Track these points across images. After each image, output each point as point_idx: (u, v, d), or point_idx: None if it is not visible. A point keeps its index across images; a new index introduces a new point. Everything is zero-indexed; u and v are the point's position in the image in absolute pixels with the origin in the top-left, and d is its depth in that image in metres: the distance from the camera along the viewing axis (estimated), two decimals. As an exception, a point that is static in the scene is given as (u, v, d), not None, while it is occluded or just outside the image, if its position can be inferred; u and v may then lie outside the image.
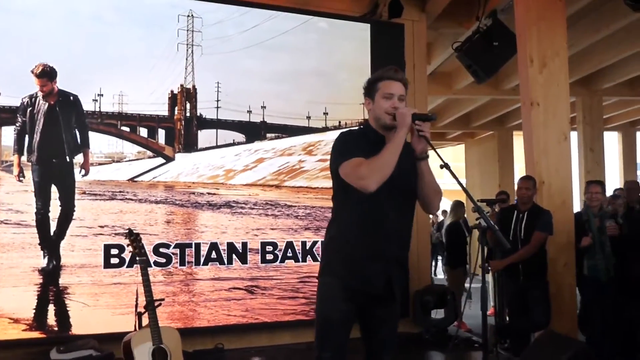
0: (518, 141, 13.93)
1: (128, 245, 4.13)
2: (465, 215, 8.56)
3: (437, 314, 6.99)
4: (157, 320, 3.92)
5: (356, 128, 3.25)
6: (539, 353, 5.09)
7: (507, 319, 6.16)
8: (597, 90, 11.04)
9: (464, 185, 3.05)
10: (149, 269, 5.86)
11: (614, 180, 13.48)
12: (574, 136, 9.21)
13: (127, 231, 4.20)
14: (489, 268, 5.80)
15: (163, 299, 4.20)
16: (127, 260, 5.92)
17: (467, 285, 8.18)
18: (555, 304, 5.75)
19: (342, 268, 3.00)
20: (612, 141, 14.45)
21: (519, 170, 12.83)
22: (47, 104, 5.84)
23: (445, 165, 3.02)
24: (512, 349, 5.81)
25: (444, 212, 11.45)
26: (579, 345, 5.03)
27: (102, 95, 6.11)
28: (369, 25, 7.18)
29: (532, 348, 5.31)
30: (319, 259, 6.47)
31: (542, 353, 5.05)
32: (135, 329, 4.37)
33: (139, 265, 3.94)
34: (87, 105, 6.02)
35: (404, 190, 3.03)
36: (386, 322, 3.14)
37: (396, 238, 3.04)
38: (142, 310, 3.99)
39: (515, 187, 6.10)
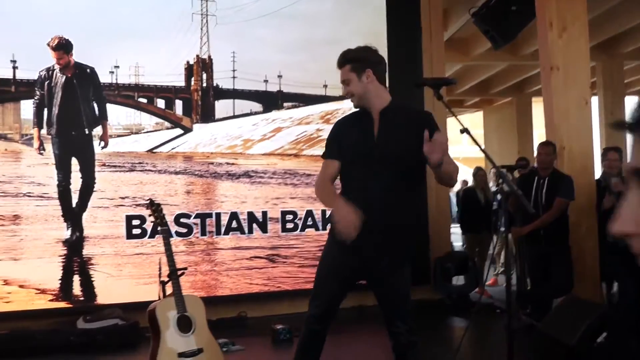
0: (537, 107, 13.78)
1: (149, 216, 4.12)
2: (492, 182, 8.54)
3: (458, 280, 7.01)
4: (181, 289, 3.93)
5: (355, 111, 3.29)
6: (561, 318, 5.09)
7: (529, 284, 6.15)
8: (617, 54, 10.87)
9: (485, 151, 3.02)
10: (170, 239, 5.95)
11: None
12: (594, 101, 9.10)
13: (147, 201, 4.21)
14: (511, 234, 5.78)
15: (186, 268, 4.22)
16: (149, 230, 5.97)
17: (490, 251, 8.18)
18: (577, 269, 5.73)
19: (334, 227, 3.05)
20: (633, 106, 14.25)
21: (538, 136, 12.72)
22: (64, 77, 5.85)
23: (465, 130, 3.01)
24: (534, 315, 5.80)
25: (464, 181, 11.39)
26: (602, 310, 5.02)
27: (118, 67, 6.12)
28: (384, -9, 7.10)
29: (553, 314, 5.30)
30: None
31: (564, 318, 5.04)
32: (159, 298, 4.42)
33: (161, 235, 3.93)
34: (104, 78, 6.04)
35: (389, 161, 3.03)
36: (392, 287, 3.18)
37: (381, 208, 3.00)
38: (166, 279, 4.01)
39: (535, 154, 6.05)
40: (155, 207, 4.07)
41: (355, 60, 3.16)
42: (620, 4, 8.29)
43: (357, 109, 3.24)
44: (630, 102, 12.84)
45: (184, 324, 3.83)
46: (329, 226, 3.34)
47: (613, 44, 10.47)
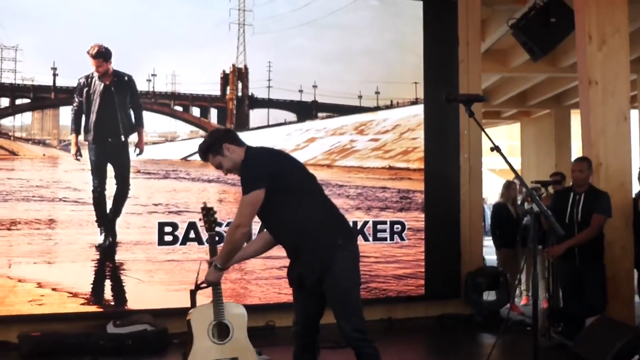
0: (576, 120, 13.55)
1: (200, 220, 4.17)
2: (520, 196, 8.41)
3: (489, 295, 6.92)
4: (221, 296, 3.92)
5: None
6: (593, 338, 5.01)
7: (562, 302, 6.04)
8: (659, 67, 10.64)
9: (515, 169, 2.99)
10: (201, 246, 6.01)
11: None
12: (634, 116, 8.92)
13: (202, 205, 4.21)
14: (546, 254, 5.68)
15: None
16: (181, 237, 6.04)
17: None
18: (611, 289, 5.62)
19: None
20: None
21: (577, 149, 12.51)
22: (102, 84, 5.96)
23: (496, 148, 2.98)
24: (566, 333, 5.70)
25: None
26: (635, 331, 4.91)
27: (155, 75, 6.20)
28: (421, 2, 7.07)
29: (585, 333, 5.21)
30: (370, 239, 6.54)
31: (596, 338, 4.96)
32: (190, 307, 4.43)
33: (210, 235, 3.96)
34: (141, 86, 6.13)
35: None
36: (327, 292, 3.51)
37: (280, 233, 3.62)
38: (193, 288, 4.03)
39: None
40: (207, 212, 4.07)
41: (210, 147, 3.58)
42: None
43: None
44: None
45: (221, 332, 3.83)
46: None
47: (656, 57, 10.26)
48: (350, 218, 6.53)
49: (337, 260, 3.44)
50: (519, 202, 7.94)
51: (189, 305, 4.12)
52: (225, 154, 3.54)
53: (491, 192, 14.10)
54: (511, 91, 12.88)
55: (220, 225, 6.16)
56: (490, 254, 8.13)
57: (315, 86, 6.73)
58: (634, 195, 6.02)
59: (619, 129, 5.97)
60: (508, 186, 7.91)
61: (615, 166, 5.90)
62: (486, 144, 5.76)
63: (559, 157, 13.99)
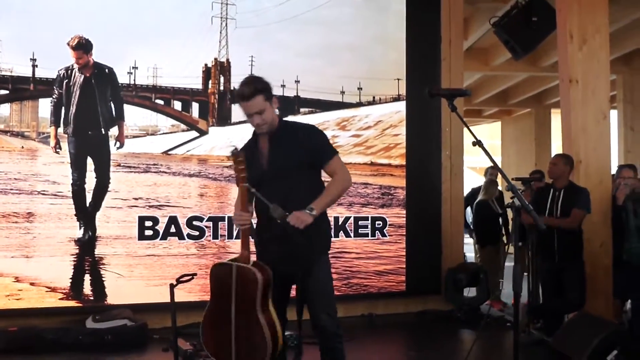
0: (556, 119, 13.68)
1: (231, 167, 3.93)
2: (501, 191, 8.46)
3: (470, 292, 6.96)
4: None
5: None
6: (572, 334, 5.05)
7: (541, 299, 6.09)
8: (639, 67, 10.75)
9: (497, 164, 3.00)
10: (181, 241, 5.97)
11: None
12: (613, 115, 9.00)
13: (233, 148, 3.50)
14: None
15: (195, 274, 4.20)
16: (161, 232, 6.00)
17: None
18: (590, 285, 5.66)
19: (258, 249, 3.65)
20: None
21: (556, 148, 12.62)
22: (82, 77, 5.89)
23: (477, 143, 2.99)
24: (545, 329, 5.75)
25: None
26: (613, 327, 4.96)
27: (136, 68, 6.14)
28: (404, -2, 7.07)
29: (565, 329, 5.26)
30: (352, 235, 6.53)
31: (575, 334, 5.00)
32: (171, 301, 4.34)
33: (243, 185, 3.38)
34: (122, 78, 6.08)
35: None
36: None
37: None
38: (174, 282, 4.01)
39: (552, 166, 6.00)
40: (237, 157, 3.46)
41: (266, 90, 3.37)
42: (642, 18, 8.21)
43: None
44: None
45: None
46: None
47: (634, 57, 10.36)
48: (332, 213, 6.52)
49: (329, 248, 3.51)
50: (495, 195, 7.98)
51: (168, 300, 4.09)
52: (273, 106, 3.42)
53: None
54: (492, 90, 12.94)
55: (201, 220, 6.15)
56: (469, 251, 8.16)
57: (297, 81, 6.72)
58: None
59: (598, 128, 6.02)
60: (490, 183, 7.95)
61: (595, 164, 5.96)
62: (468, 141, 5.79)
63: (539, 156, 14.07)
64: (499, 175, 7.55)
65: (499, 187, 8.16)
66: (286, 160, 3.36)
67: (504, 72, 11.24)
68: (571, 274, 5.55)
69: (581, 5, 6.01)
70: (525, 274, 6.15)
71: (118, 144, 6.05)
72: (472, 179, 15.23)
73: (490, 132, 17.85)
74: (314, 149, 3.44)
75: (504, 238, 7.95)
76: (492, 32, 7.36)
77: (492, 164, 3.07)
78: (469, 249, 8.14)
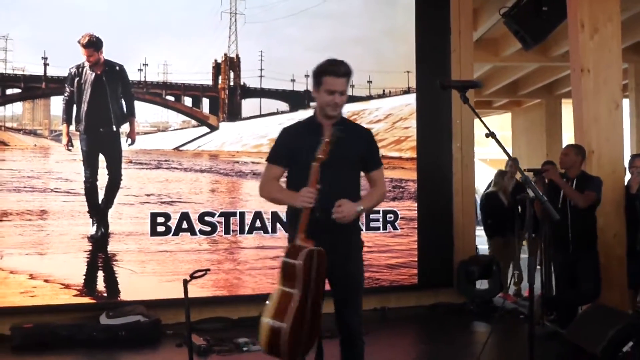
0: (566, 110, 13.58)
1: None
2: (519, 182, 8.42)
3: (482, 284, 6.94)
4: None
5: (301, 120, 3.58)
6: (587, 326, 5.01)
7: (555, 290, 6.06)
8: (651, 56, 10.67)
9: (510, 154, 2.99)
10: (193, 237, 5.99)
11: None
12: (625, 104, 8.94)
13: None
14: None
15: (209, 269, 4.21)
16: (173, 228, 6.02)
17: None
18: (604, 276, 5.63)
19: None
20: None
21: (567, 139, 12.53)
22: (94, 74, 5.91)
23: (491, 134, 2.97)
24: (559, 321, 5.72)
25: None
26: (629, 318, 4.93)
27: (147, 65, 6.16)
28: (413, -9, 7.04)
29: (579, 321, 5.22)
30: (363, 228, 6.50)
31: (590, 326, 4.97)
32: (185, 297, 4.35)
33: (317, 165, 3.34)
34: (133, 75, 6.10)
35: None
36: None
37: None
38: (188, 278, 4.02)
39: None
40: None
41: (351, 76, 3.30)
42: (655, 6, 8.13)
43: (307, 120, 3.46)
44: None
45: None
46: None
47: (647, 45, 10.28)
48: (344, 207, 6.51)
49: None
50: (510, 189, 7.93)
51: (182, 295, 4.09)
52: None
53: (482, 182, 14.11)
54: (502, 81, 12.88)
55: (213, 215, 6.17)
56: (482, 243, 8.13)
57: (307, 75, 6.69)
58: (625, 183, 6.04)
59: (611, 117, 5.98)
60: (501, 175, 7.91)
61: (607, 154, 5.92)
62: (478, 133, 5.76)
63: (550, 147, 14.00)
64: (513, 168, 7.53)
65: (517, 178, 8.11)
66: (349, 151, 3.32)
67: (514, 63, 11.18)
68: (585, 264, 5.52)
69: (592, -6, 5.97)
70: (539, 266, 6.12)
71: (129, 140, 6.07)
72: (482, 171, 15.19)
73: (500, 123, 17.76)
74: (372, 152, 3.48)
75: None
76: (502, 23, 7.31)
77: (506, 156, 3.06)
78: (482, 241, 8.10)
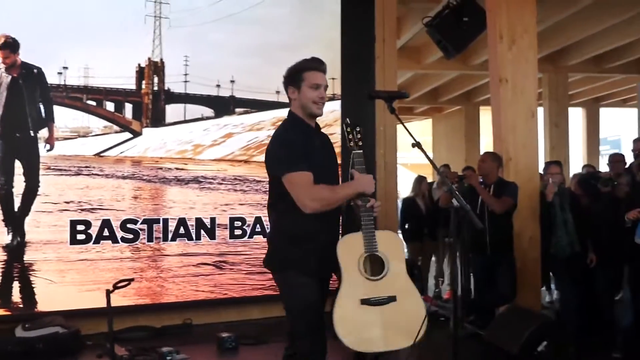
0: (485, 116, 14.03)
1: (346, 138, 3.33)
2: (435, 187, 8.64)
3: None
4: (375, 222, 3.22)
5: (287, 125, 3.30)
6: (504, 327, 5.19)
7: (474, 292, 6.24)
8: (563, 66, 11.15)
9: (436, 165, 3.06)
10: (115, 244, 5.86)
11: (577, 156, 13.68)
12: (539, 112, 9.30)
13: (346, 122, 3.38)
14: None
15: (132, 279, 4.14)
16: (94, 236, 5.86)
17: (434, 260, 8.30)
18: (519, 279, 5.85)
19: (314, 262, 3.13)
20: (576, 117, 14.64)
21: (486, 145, 12.94)
22: (10, 77, 5.70)
23: (417, 144, 3.04)
24: (477, 323, 5.89)
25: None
26: (542, 319, 5.13)
27: (67, 68, 5.98)
28: (339, -2, 7.10)
29: (497, 322, 5.40)
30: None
31: (507, 327, 5.14)
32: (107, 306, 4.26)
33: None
34: (52, 79, 5.90)
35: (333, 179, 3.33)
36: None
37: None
38: (111, 288, 3.94)
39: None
40: (351, 128, 3.34)
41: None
42: (567, 18, 8.51)
43: (295, 125, 3.26)
44: (573, 113, 13.19)
45: (374, 264, 3.18)
46: (281, 258, 3.23)
47: (559, 56, 10.74)
48: (259, 214, 6.51)
49: None
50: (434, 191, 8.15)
51: (103, 305, 4.01)
52: None
53: (403, 187, 14.39)
54: (424, 87, 13.19)
55: (135, 223, 6.05)
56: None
57: (232, 81, 6.67)
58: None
59: (527, 126, 6.21)
60: (419, 181, 8.11)
61: (524, 161, 6.14)
62: (401, 139, 5.87)
63: (469, 152, 14.43)
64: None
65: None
66: (335, 162, 3.39)
67: (436, 71, 11.48)
68: (503, 268, 5.73)
69: (510, 6, 6.18)
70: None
71: (48, 146, 5.88)
72: (403, 176, 15.45)
73: (421, 128, 18.17)
74: None
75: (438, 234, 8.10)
76: (425, 32, 7.48)
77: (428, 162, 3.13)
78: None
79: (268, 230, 3.37)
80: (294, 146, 3.12)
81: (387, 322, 3.07)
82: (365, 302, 3.06)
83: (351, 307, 3.05)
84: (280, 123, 3.34)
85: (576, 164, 12.04)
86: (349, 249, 3.14)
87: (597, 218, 5.88)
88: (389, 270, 3.13)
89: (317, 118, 3.28)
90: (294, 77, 3.23)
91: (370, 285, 3.10)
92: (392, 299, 3.09)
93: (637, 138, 7.22)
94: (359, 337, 3.04)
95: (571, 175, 8.67)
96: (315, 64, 3.23)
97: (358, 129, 3.26)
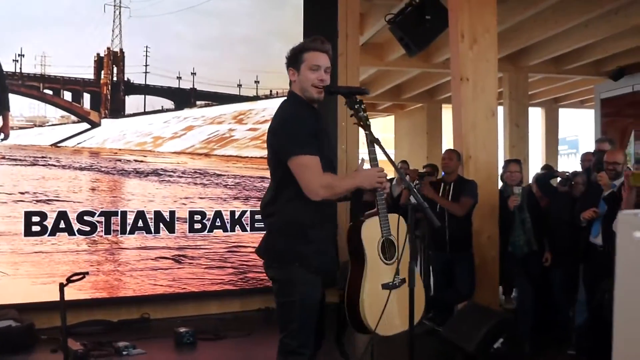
0: (446, 114, 14.17)
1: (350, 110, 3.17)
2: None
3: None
4: (386, 209, 3.16)
5: (294, 103, 3.09)
6: (462, 323, 5.24)
7: (433, 289, 6.30)
8: (523, 66, 11.28)
9: (394, 161, 3.07)
10: (71, 237, 5.75)
11: (536, 156, 13.89)
12: (500, 111, 9.41)
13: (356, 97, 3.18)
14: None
15: (87, 273, 4.06)
16: (50, 228, 5.75)
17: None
18: (478, 276, 5.92)
19: (314, 257, 3.00)
20: (536, 117, 14.85)
21: (447, 142, 13.06)
22: (-38, 64, 5.55)
23: (375, 141, 3.04)
24: (436, 320, 5.95)
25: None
26: (499, 316, 5.20)
27: (23, 55, 5.84)
28: (302, -7, 7.09)
29: (455, 318, 5.46)
30: (248, 229, 6.48)
31: (465, 323, 5.20)
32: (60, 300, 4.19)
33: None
34: (7, 66, 5.76)
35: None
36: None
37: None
38: (65, 282, 3.87)
39: (442, 159, 6.22)
40: (359, 105, 3.16)
41: (330, 54, 3.13)
42: (528, 19, 8.62)
43: (301, 104, 3.07)
44: (533, 113, 13.38)
45: (388, 249, 3.20)
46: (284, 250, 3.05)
47: (519, 56, 10.86)
48: (228, 208, 6.49)
49: None
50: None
51: (57, 298, 3.93)
52: None
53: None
54: (386, 84, 13.22)
55: (93, 215, 5.95)
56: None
57: (194, 73, 6.61)
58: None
59: (487, 124, 6.27)
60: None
61: (483, 159, 6.20)
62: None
63: (430, 149, 14.54)
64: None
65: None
66: (334, 152, 3.20)
67: (398, 68, 11.50)
68: (462, 266, 5.80)
69: (471, 6, 6.23)
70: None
71: (2, 135, 5.74)
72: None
73: (383, 125, 18.24)
74: None
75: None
76: (387, 29, 7.50)
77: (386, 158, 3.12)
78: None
79: (268, 224, 3.15)
80: (305, 125, 2.95)
81: (400, 303, 3.12)
82: (385, 286, 3.09)
83: (375, 293, 3.08)
84: (282, 102, 3.15)
85: (535, 163, 12.23)
86: (371, 233, 3.13)
87: (554, 217, 5.98)
88: (401, 253, 3.15)
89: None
90: (293, 59, 3.05)
91: (387, 269, 3.14)
92: (404, 281, 3.13)
93: (587, 152, 7.29)
94: (387, 323, 3.09)
95: (530, 174, 8.80)
96: (317, 44, 3.02)
97: (363, 106, 3.09)
